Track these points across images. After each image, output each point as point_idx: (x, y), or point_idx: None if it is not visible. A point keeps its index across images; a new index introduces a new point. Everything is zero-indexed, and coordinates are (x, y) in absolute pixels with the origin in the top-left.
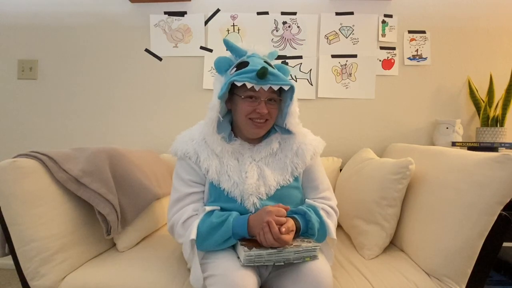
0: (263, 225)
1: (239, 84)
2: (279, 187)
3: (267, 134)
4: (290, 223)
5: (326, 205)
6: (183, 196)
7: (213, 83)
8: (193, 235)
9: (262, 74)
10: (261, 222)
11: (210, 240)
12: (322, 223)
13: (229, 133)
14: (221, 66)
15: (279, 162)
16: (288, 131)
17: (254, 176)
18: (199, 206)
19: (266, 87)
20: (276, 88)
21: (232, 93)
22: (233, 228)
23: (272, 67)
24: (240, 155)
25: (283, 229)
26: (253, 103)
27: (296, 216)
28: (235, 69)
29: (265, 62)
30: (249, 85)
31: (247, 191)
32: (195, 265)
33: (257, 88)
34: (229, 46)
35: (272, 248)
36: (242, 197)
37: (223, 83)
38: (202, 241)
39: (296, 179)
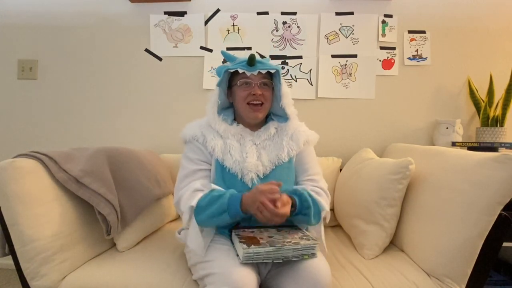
0: (257, 205)
1: (232, 70)
2: (274, 167)
3: (265, 122)
4: (284, 196)
5: (315, 187)
6: (191, 173)
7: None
8: (194, 202)
9: (251, 60)
10: (254, 201)
11: (207, 212)
12: (313, 201)
13: (232, 121)
14: (221, 72)
15: (276, 144)
16: (284, 119)
17: (253, 156)
18: (206, 183)
19: (255, 72)
20: (263, 72)
21: (230, 86)
22: (229, 202)
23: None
24: (242, 139)
25: (279, 204)
26: (248, 88)
27: (288, 193)
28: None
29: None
30: (240, 71)
31: (246, 168)
32: (194, 230)
33: (248, 74)
34: (226, 56)
35: (271, 245)
36: (242, 173)
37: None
38: (200, 211)
39: (290, 160)
